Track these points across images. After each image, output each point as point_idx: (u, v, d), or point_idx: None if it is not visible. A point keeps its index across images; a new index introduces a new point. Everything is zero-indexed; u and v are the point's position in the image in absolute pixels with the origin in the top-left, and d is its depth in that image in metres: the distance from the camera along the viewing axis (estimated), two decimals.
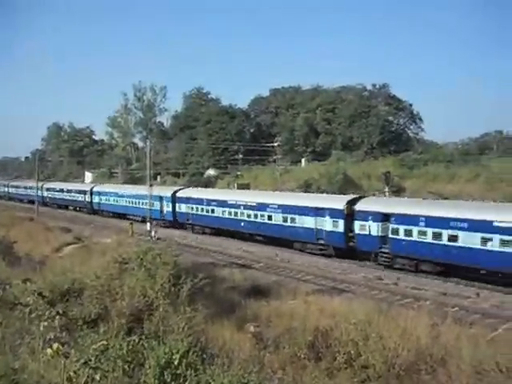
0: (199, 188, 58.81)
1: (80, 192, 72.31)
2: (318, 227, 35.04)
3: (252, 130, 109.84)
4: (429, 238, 28.45)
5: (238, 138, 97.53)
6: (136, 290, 15.40)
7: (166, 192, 53.09)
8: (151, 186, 52.68)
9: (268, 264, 32.96)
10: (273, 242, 39.35)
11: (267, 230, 39.81)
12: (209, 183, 78.82)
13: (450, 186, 53.52)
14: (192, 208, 48.16)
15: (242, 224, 42.10)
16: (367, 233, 31.96)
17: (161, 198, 52.06)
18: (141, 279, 15.86)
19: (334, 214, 34.25)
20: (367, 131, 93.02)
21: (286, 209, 38.05)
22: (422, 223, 28.93)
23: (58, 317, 7.04)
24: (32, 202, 74.74)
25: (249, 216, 41.38)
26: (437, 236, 28.04)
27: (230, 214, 43.34)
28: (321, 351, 13.50)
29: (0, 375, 7.55)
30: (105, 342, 7.90)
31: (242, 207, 42.20)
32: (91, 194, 68.33)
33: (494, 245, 25.27)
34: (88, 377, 6.35)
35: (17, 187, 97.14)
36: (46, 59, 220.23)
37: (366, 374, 12.28)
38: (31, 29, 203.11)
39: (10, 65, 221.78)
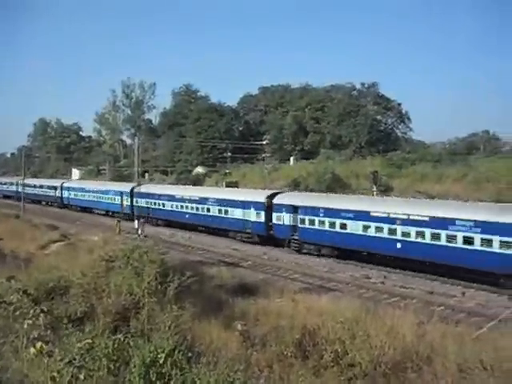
0: (153, 184, 64.70)
1: (51, 188, 77.14)
2: (246, 218, 40.40)
3: (241, 128, 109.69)
4: (326, 227, 33.75)
5: (227, 136, 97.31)
6: (122, 288, 15.25)
7: (125, 188, 58.92)
8: (139, 183, 53.53)
9: (256, 262, 33.03)
10: (212, 232, 44.83)
11: (207, 221, 45.33)
12: (197, 181, 78.66)
13: (438, 186, 53.82)
14: (147, 202, 53.41)
15: (187, 216, 47.41)
16: (282, 223, 37.23)
17: (121, 193, 58.15)
18: (127, 277, 15.72)
19: (257, 206, 39.63)
20: (356, 130, 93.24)
21: (221, 202, 43.53)
22: (322, 214, 34.19)
23: (42, 315, 6.98)
24: (8, 197, 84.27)
25: (192, 209, 46.86)
26: (332, 225, 33.39)
27: (177, 207, 48.63)
28: (308, 349, 13.49)
29: None
30: (90, 341, 7.83)
31: (186, 201, 47.63)
32: (61, 189, 73.81)
33: (371, 231, 31.03)
34: (72, 376, 6.29)
35: None
36: (33, 55, 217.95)
37: (353, 372, 12.28)
38: (17, 25, 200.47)
39: None
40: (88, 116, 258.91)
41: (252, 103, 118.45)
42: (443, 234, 27.22)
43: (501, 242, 24.81)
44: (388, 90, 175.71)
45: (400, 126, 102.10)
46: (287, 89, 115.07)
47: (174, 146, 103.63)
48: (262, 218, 38.98)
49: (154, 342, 9.40)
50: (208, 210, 44.69)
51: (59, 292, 15.71)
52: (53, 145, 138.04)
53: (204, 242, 41.39)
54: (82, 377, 6.27)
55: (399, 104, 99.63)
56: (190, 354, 9.45)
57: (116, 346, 8.87)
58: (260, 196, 40.56)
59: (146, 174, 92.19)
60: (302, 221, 35.42)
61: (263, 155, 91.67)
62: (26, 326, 6.70)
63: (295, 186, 60.28)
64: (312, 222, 34.68)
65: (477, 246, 25.76)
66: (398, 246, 29.51)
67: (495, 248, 25.00)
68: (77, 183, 76.41)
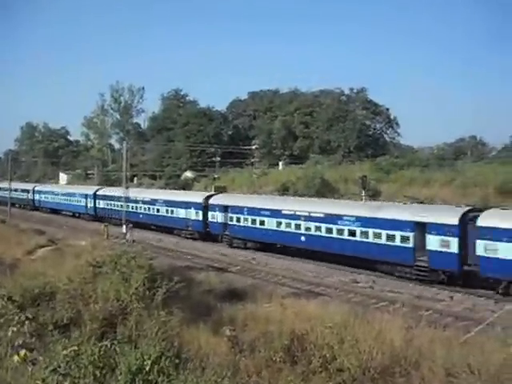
0: (113, 187, 66.29)
1: (24, 191, 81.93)
2: (187, 217, 45.44)
3: (230, 133, 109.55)
4: (250, 224, 38.42)
5: (216, 141, 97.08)
6: (110, 293, 15.11)
7: (90, 191, 63.67)
8: (127, 188, 53.17)
9: (244, 267, 32.92)
10: (162, 230, 49.07)
11: (157, 220, 50.36)
12: (186, 185, 78.41)
13: (426, 190, 53.97)
14: (107, 204, 58.25)
15: (141, 216, 51.67)
16: (216, 220, 42.23)
17: (86, 196, 63.09)
18: (115, 283, 15.58)
19: (196, 206, 44.73)
20: (344, 135, 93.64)
21: (168, 203, 48.58)
22: (246, 213, 38.91)
23: (27, 322, 6.86)
24: None
25: (145, 209, 51.86)
26: (253, 222, 38.07)
27: (132, 208, 51.48)
28: (296, 355, 13.41)
29: None
30: (76, 348, 7.72)
31: (140, 202, 52.23)
32: (33, 192, 78.54)
33: (283, 227, 35.63)
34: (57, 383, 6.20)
35: None
36: (18, 59, 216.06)
37: (341, 377, 12.24)
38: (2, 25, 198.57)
39: None
40: (76, 120, 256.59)
41: (241, 108, 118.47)
42: (334, 228, 32.17)
43: (374, 233, 29.86)
44: (377, 95, 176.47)
45: (388, 131, 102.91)
46: (276, 93, 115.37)
47: (163, 151, 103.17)
48: (200, 217, 44.06)
49: (140, 349, 9.30)
50: (158, 210, 49.93)
51: (45, 298, 15.54)
52: (40, 149, 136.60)
53: (192, 246, 41.28)
54: None
55: (387, 109, 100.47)
56: (177, 361, 9.36)
57: (102, 352, 8.77)
58: (199, 197, 45.84)
59: (135, 179, 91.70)
60: (231, 218, 40.41)
61: (252, 160, 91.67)
62: (10, 334, 6.58)
63: (284, 190, 60.26)
64: (238, 220, 39.59)
65: (357, 237, 30.76)
66: (303, 239, 34.37)
67: (370, 238, 30.05)
68: (47, 187, 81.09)
